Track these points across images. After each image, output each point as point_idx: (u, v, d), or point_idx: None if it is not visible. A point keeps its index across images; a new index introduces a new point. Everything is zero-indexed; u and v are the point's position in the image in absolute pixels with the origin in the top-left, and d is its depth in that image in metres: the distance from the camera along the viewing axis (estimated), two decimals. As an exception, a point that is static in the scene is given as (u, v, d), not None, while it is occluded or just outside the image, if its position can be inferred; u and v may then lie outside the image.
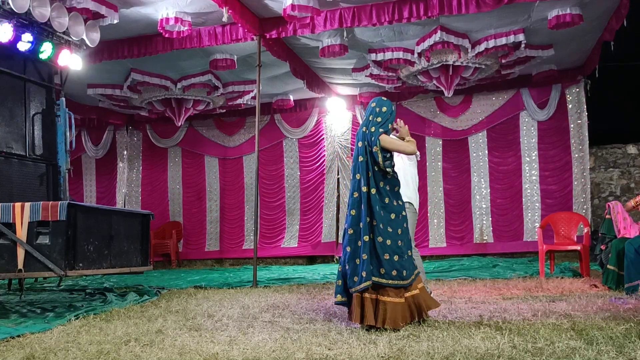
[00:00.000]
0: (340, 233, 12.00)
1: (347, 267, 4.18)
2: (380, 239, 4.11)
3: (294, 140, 12.61)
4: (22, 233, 5.55)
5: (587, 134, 10.85)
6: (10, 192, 6.72)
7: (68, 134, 7.61)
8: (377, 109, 4.34)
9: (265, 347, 3.51)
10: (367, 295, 4.09)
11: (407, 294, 4.14)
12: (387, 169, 4.23)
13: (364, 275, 4.05)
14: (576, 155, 10.94)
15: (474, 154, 11.52)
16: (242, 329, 4.18)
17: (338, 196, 12.21)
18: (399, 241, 4.18)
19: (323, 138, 12.40)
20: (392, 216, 4.19)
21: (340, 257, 4.41)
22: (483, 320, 4.22)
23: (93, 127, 13.09)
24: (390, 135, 4.39)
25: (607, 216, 6.60)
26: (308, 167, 12.48)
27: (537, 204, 11.07)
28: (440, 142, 11.68)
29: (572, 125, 11.03)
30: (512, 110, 11.35)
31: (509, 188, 11.30)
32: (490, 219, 11.32)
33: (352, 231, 4.20)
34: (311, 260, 12.26)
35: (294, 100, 11.92)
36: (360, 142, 4.30)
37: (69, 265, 5.54)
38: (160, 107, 11.09)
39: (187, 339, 3.84)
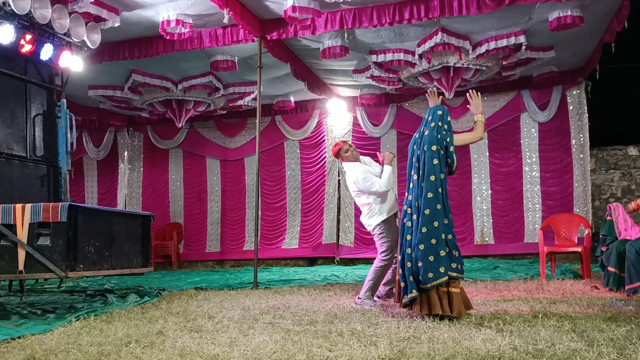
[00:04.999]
0: (343, 234, 12.01)
1: (419, 264, 4.50)
2: (450, 236, 4.56)
3: (295, 142, 12.62)
4: (22, 234, 5.55)
5: (587, 136, 10.85)
6: (11, 193, 6.73)
7: (69, 135, 7.62)
8: (445, 117, 4.78)
9: (266, 349, 3.51)
10: (443, 288, 4.48)
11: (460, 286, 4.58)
12: (454, 169, 4.73)
13: (442, 271, 4.45)
14: (577, 156, 10.94)
15: (475, 156, 11.53)
16: (243, 331, 4.18)
17: (339, 197, 12.22)
18: (455, 238, 4.64)
19: (324, 139, 12.41)
20: (450, 216, 4.64)
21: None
22: (484, 321, 4.22)
23: (94, 128, 13.11)
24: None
25: (608, 218, 6.59)
26: (309, 168, 12.48)
27: (538, 206, 11.07)
28: (441, 144, 11.68)
29: (572, 127, 11.02)
30: (512, 111, 11.35)
31: (509, 189, 11.30)
32: (491, 220, 11.32)
33: (425, 229, 4.53)
34: (312, 261, 12.25)
35: (294, 102, 11.93)
36: (435, 146, 4.64)
37: (69, 266, 5.54)
38: (161, 108, 11.10)
39: (187, 341, 3.84)
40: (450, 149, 4.66)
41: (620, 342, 3.37)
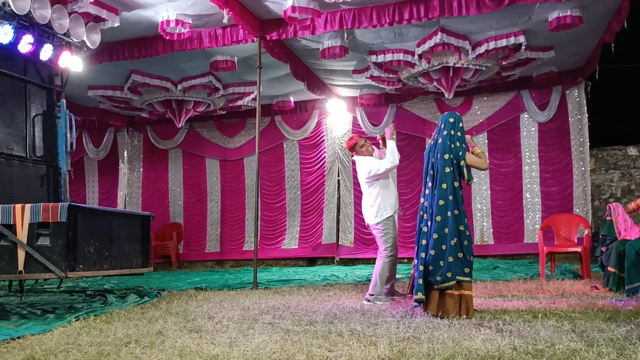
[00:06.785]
0: (342, 235, 12.01)
1: (430, 267, 4.67)
2: (466, 242, 4.66)
3: (294, 142, 12.62)
4: (22, 234, 5.55)
5: (587, 136, 10.85)
6: (10, 193, 6.72)
7: (68, 135, 7.62)
8: (457, 124, 4.86)
9: (266, 349, 3.51)
10: (449, 291, 4.61)
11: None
12: (470, 182, 4.87)
13: (449, 276, 4.59)
14: (577, 156, 10.94)
15: (475, 156, 11.53)
16: (243, 331, 4.18)
17: (338, 197, 12.21)
18: (471, 243, 4.76)
19: (323, 139, 12.41)
20: (466, 221, 4.76)
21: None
22: (483, 322, 4.22)
23: (94, 128, 13.10)
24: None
25: (608, 218, 6.59)
26: (309, 168, 12.48)
27: (538, 206, 11.06)
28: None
29: (572, 127, 11.02)
30: (512, 111, 11.34)
31: (509, 190, 11.29)
32: (491, 220, 11.31)
33: (437, 236, 4.69)
34: (311, 261, 12.25)
35: (294, 102, 11.93)
36: (447, 155, 4.77)
37: (69, 266, 5.54)
38: (161, 108, 11.09)
39: (187, 341, 3.84)
40: (461, 163, 4.78)
41: (620, 342, 3.37)
